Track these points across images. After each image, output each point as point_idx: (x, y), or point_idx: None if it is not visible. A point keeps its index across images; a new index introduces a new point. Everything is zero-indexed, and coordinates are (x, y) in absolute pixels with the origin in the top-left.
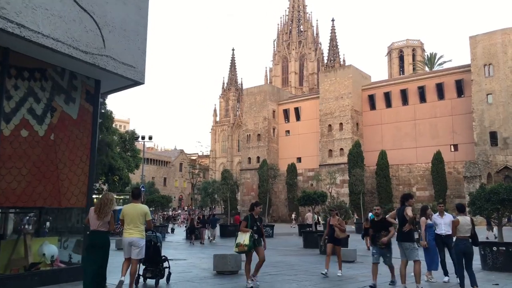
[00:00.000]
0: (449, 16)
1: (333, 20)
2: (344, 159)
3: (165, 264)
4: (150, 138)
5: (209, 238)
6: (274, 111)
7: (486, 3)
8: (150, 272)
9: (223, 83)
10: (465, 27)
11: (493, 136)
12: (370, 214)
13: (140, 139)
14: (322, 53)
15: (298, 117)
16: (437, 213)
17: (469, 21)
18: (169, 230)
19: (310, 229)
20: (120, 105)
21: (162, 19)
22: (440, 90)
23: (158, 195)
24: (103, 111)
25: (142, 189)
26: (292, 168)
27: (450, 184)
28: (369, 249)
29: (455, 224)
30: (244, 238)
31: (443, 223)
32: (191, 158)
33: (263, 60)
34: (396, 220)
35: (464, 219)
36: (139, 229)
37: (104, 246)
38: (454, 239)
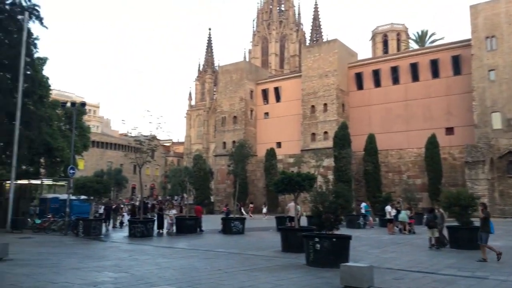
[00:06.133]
0: None
1: None
2: (329, 143)
3: None
4: (83, 105)
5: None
6: (252, 92)
7: None
8: None
9: (199, 65)
10: (455, 3)
11: (495, 117)
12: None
13: (77, 106)
14: (304, 34)
15: (278, 98)
16: None
17: None
18: (117, 224)
19: (291, 224)
20: (91, 90)
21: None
22: (434, 68)
23: (93, 179)
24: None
25: (71, 171)
26: (271, 154)
27: (445, 172)
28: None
29: None
30: None
31: None
32: (164, 144)
33: (242, 41)
34: None
35: None
36: None
37: None
38: None
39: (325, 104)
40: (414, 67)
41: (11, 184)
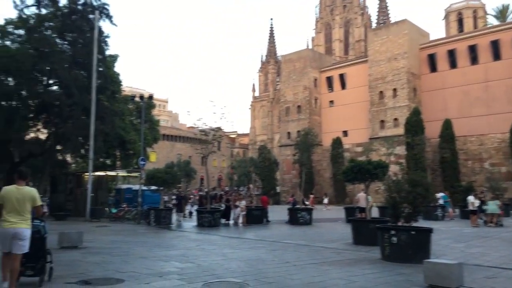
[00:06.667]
0: None
1: None
2: (400, 130)
3: (48, 258)
4: (151, 98)
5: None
6: (315, 80)
7: None
8: (30, 269)
9: (262, 57)
10: None
11: None
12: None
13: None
14: (370, 18)
15: (343, 85)
16: None
17: None
18: (187, 214)
19: (361, 215)
20: (160, 86)
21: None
22: None
23: (162, 170)
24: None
25: (142, 162)
26: (337, 143)
27: None
28: None
29: None
30: None
31: None
32: (230, 136)
33: (304, 29)
34: None
35: None
36: (24, 218)
37: None
38: None
39: (395, 89)
40: (495, 45)
41: (89, 175)
